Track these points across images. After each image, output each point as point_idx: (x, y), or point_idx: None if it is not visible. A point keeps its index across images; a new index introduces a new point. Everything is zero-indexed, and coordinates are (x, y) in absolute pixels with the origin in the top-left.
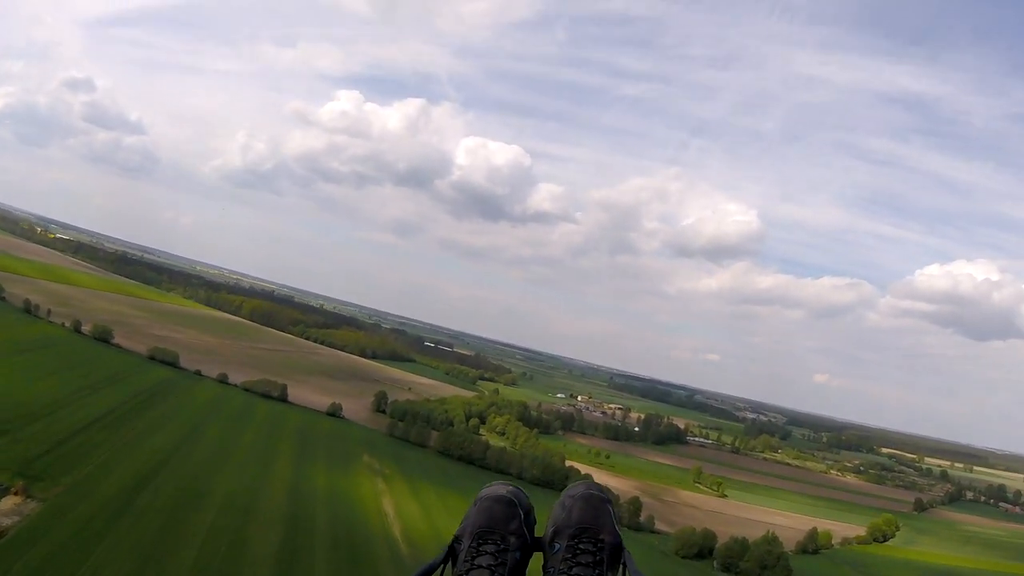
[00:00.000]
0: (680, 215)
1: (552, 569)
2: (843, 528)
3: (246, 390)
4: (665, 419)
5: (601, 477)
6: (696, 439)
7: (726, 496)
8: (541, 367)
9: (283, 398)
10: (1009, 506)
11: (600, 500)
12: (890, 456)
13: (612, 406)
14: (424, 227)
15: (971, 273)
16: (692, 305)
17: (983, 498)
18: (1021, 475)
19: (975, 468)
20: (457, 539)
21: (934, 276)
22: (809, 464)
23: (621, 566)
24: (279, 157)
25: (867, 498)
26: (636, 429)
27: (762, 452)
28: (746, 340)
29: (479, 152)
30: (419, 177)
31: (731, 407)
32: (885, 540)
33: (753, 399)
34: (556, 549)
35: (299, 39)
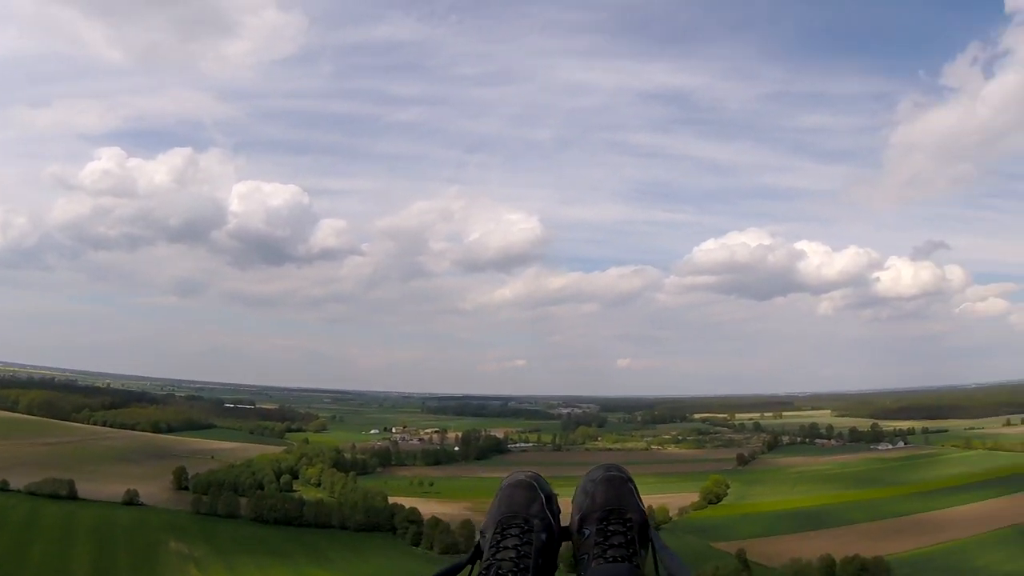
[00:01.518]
0: (466, 232)
1: (585, 555)
2: (677, 499)
3: (30, 494)
4: (483, 432)
5: (429, 506)
6: (517, 445)
7: (557, 494)
8: (351, 406)
9: (72, 495)
10: (824, 441)
11: (621, 480)
12: (703, 420)
13: (428, 431)
14: (207, 283)
15: (745, 241)
16: (491, 317)
17: (799, 439)
18: (827, 411)
19: (784, 414)
20: (482, 534)
21: (711, 250)
22: (630, 444)
23: (649, 543)
24: (42, 229)
25: (692, 464)
26: (456, 448)
27: (583, 444)
28: (548, 340)
29: (254, 196)
30: (194, 230)
31: (545, 407)
32: (719, 500)
33: (566, 395)
34: (586, 535)
35: (54, 97)
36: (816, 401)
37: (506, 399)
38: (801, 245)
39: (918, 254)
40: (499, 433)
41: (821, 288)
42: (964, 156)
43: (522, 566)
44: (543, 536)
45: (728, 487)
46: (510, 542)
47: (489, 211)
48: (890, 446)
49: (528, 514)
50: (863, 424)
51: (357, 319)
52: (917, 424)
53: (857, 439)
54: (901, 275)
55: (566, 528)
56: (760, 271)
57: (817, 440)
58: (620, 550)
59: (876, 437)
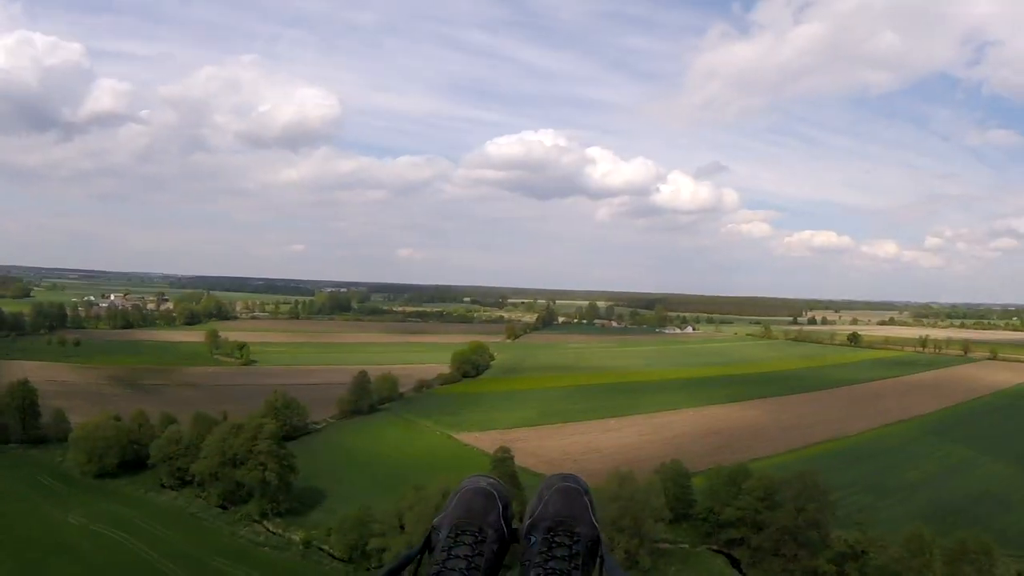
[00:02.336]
0: (256, 105)
1: (528, 562)
2: (429, 369)
3: None
4: (203, 297)
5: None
6: (251, 315)
7: (254, 362)
8: (96, 282)
9: None
10: (604, 321)
11: (576, 492)
12: (473, 301)
13: (151, 299)
14: None
15: (540, 140)
16: (274, 199)
17: (576, 319)
18: (604, 301)
19: (558, 300)
20: (435, 529)
21: (503, 145)
22: (386, 318)
23: (599, 560)
24: None
25: (454, 336)
26: (173, 314)
27: (329, 315)
28: (332, 226)
29: (23, 50)
30: None
31: (314, 288)
32: (479, 373)
33: (343, 280)
34: (532, 542)
35: None
36: (590, 296)
37: (275, 280)
38: (592, 152)
39: (700, 174)
40: (237, 305)
41: (602, 193)
42: (758, 90)
43: None
44: (495, 547)
45: (493, 358)
46: (462, 551)
47: (286, 85)
48: (677, 330)
49: (484, 523)
50: (645, 313)
51: (130, 196)
52: (694, 316)
53: (640, 323)
54: (681, 190)
55: (516, 531)
56: (549, 171)
57: (596, 320)
58: (562, 563)
59: (660, 322)
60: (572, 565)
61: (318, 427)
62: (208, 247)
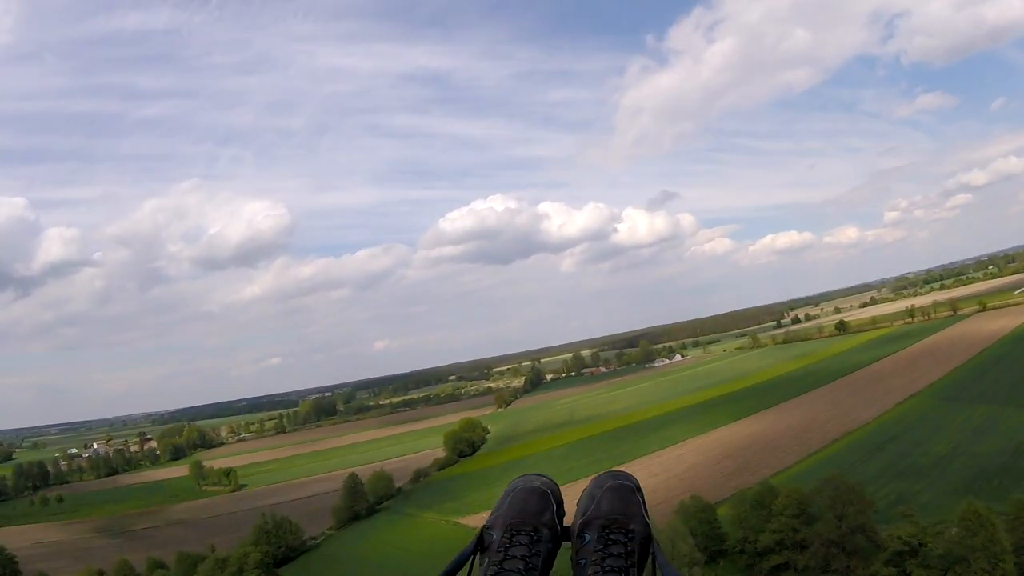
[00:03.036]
0: (205, 228)
1: (583, 561)
2: (423, 457)
3: None
4: (185, 429)
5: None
6: (237, 438)
7: (244, 486)
8: (78, 433)
9: None
10: (592, 369)
11: (629, 490)
12: (458, 378)
13: (133, 441)
14: None
15: (492, 207)
16: (240, 317)
17: (564, 374)
18: (588, 350)
19: (542, 360)
20: (487, 529)
21: (455, 219)
22: (374, 414)
23: (650, 556)
24: None
25: (445, 418)
26: (157, 452)
27: (316, 422)
28: (302, 333)
29: None
30: None
31: (298, 398)
32: (475, 450)
33: (325, 385)
34: (586, 541)
35: None
36: (573, 348)
37: (257, 399)
38: (544, 208)
39: (652, 205)
40: (221, 431)
41: (563, 245)
42: (686, 115)
43: None
44: (550, 546)
45: (487, 432)
46: (518, 551)
47: (231, 204)
48: (666, 361)
49: (539, 523)
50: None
51: (94, 341)
52: (676, 343)
53: (627, 362)
54: (637, 225)
55: (567, 529)
56: (506, 234)
57: (584, 370)
58: (619, 560)
59: (647, 357)
60: (628, 563)
61: (316, 542)
62: (183, 378)
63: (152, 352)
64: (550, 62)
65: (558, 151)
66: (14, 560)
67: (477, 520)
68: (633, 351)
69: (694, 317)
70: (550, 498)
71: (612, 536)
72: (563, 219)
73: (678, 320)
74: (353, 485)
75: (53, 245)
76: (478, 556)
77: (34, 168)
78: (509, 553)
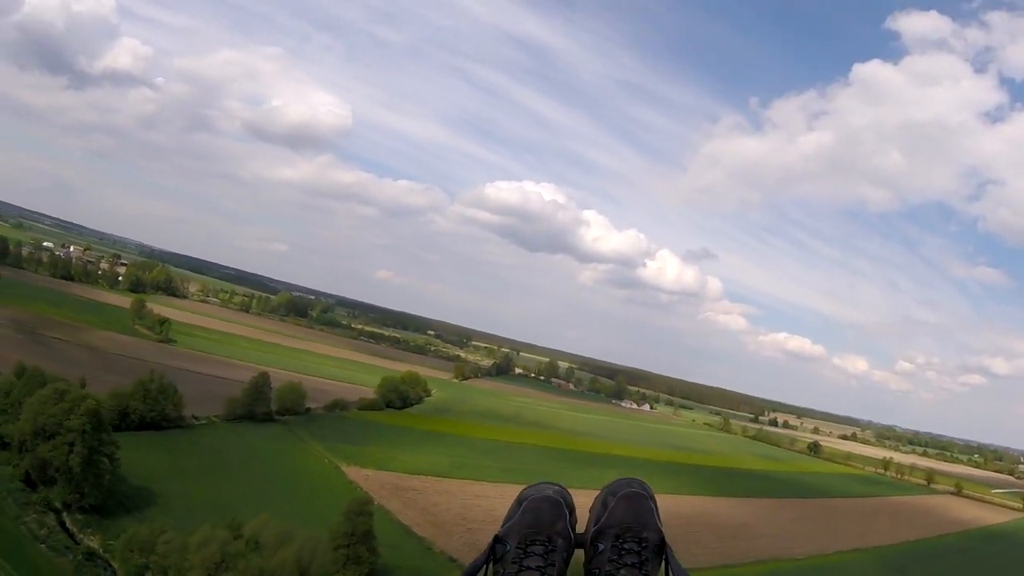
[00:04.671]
0: (268, 98)
1: (597, 570)
2: (354, 390)
3: None
4: (157, 268)
5: None
6: (199, 298)
7: (173, 342)
8: (72, 233)
9: None
10: (562, 382)
11: (641, 497)
12: (436, 335)
13: (109, 258)
14: None
15: (540, 193)
16: (265, 194)
17: (533, 374)
18: (566, 362)
19: (523, 353)
20: (499, 540)
21: (503, 190)
22: (339, 332)
23: (663, 562)
24: None
25: (401, 364)
26: (120, 278)
27: (284, 316)
28: (317, 233)
29: None
30: None
31: (283, 289)
32: (404, 406)
33: (314, 288)
34: (600, 549)
35: None
36: (553, 355)
37: (248, 274)
38: (588, 215)
39: (689, 257)
40: (192, 286)
41: (590, 257)
42: (757, 186)
43: None
44: (564, 555)
45: (427, 394)
46: (533, 562)
47: (303, 86)
48: (635, 405)
49: (552, 532)
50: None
51: (122, 158)
52: (654, 394)
53: (598, 390)
54: (667, 269)
55: (581, 536)
56: (543, 224)
57: (554, 379)
58: (633, 570)
59: (619, 393)
60: (643, 572)
61: (198, 422)
62: (190, 226)
63: (170, 190)
64: (652, 80)
65: (622, 166)
66: None
67: (358, 475)
68: (608, 383)
69: (679, 376)
70: (563, 506)
71: (626, 545)
72: (601, 233)
73: (663, 372)
74: (260, 385)
75: (123, 54)
76: (490, 567)
77: None
78: (524, 564)
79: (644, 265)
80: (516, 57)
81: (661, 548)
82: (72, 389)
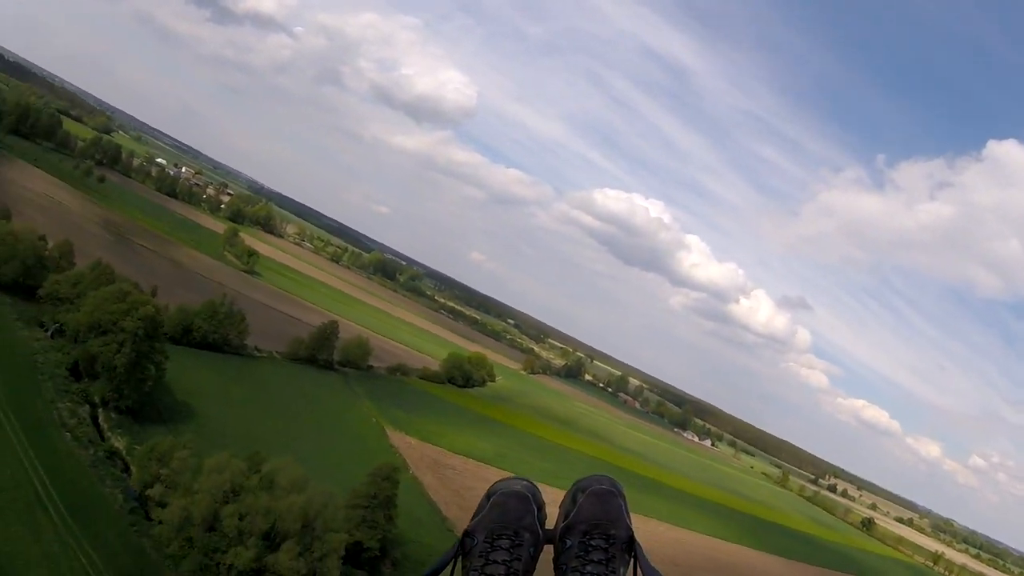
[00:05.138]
0: (399, 65)
1: (565, 566)
2: (420, 359)
3: None
4: (262, 205)
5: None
6: (295, 240)
7: (257, 275)
8: (187, 156)
9: None
10: (628, 398)
11: (610, 495)
12: (515, 324)
13: (217, 185)
14: None
15: (647, 209)
16: (380, 156)
17: (602, 384)
18: (637, 379)
19: (596, 361)
20: (468, 534)
21: (612, 198)
22: (421, 302)
23: (632, 559)
24: None
25: (472, 344)
26: (222, 206)
27: (370, 275)
28: (422, 203)
29: None
30: None
31: (376, 248)
32: (467, 384)
33: (407, 255)
34: (568, 545)
35: None
36: (625, 369)
37: (346, 228)
38: (690, 239)
39: (783, 303)
40: (290, 228)
41: (684, 282)
42: (866, 245)
43: None
44: (531, 550)
45: (491, 379)
46: (499, 555)
47: (436, 60)
48: (696, 438)
49: (520, 526)
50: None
51: (251, 96)
52: (718, 432)
53: (662, 414)
54: (759, 311)
55: (550, 532)
56: (644, 240)
57: (621, 394)
58: (599, 567)
59: (682, 423)
60: (609, 569)
61: (259, 354)
62: (302, 172)
63: (290, 135)
64: (781, 119)
65: (734, 198)
66: None
67: (400, 441)
68: (674, 409)
69: (747, 419)
70: (531, 502)
71: (593, 542)
72: (700, 260)
73: (731, 411)
74: (328, 332)
75: (266, 1)
76: (459, 561)
77: None
78: (490, 558)
79: (736, 301)
80: (651, 71)
81: (630, 545)
82: (135, 293)
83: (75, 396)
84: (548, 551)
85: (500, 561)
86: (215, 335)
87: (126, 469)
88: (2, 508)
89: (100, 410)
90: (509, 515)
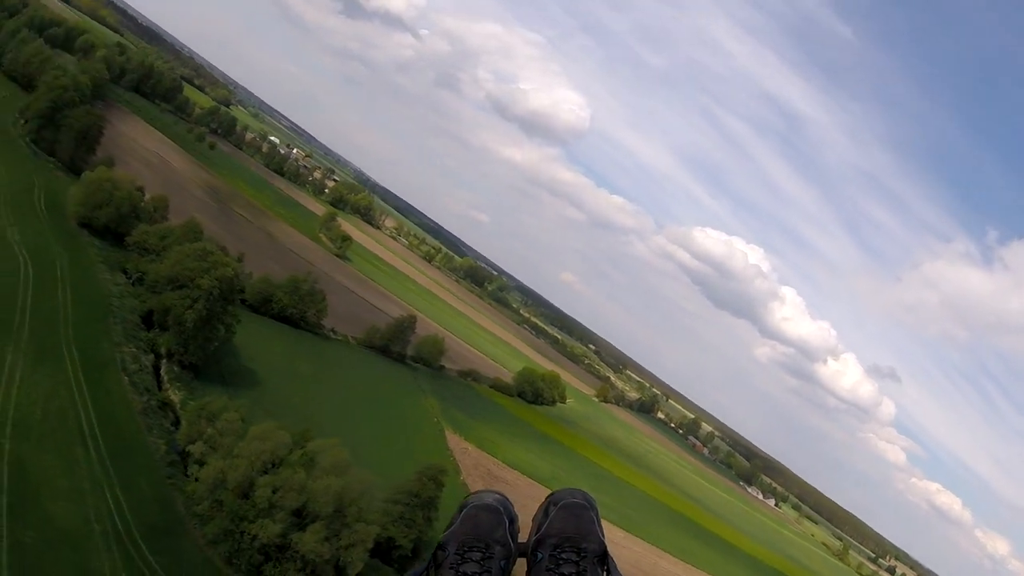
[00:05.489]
0: (516, 79)
1: None
2: (494, 368)
3: None
4: (363, 193)
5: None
6: (391, 233)
7: (348, 260)
8: (299, 139)
9: None
10: (697, 443)
11: (582, 508)
12: (595, 350)
13: (317, 167)
14: None
15: (746, 254)
16: (485, 165)
17: (673, 424)
18: (709, 426)
19: (670, 400)
20: (441, 546)
21: (712, 238)
22: (505, 313)
23: (605, 572)
24: None
25: (553, 365)
26: (326, 190)
27: (458, 278)
28: (520, 217)
29: None
30: None
31: (469, 254)
32: (537, 400)
33: (498, 265)
34: (539, 558)
35: None
36: (699, 412)
37: (442, 229)
38: (785, 291)
39: (872, 371)
40: (389, 221)
41: (773, 335)
42: (967, 324)
43: None
44: (502, 562)
45: (562, 399)
46: (470, 568)
47: (553, 78)
48: (760, 495)
49: (490, 539)
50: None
51: (370, 90)
52: (783, 492)
53: (730, 464)
54: (846, 376)
55: (523, 544)
56: (737, 285)
57: (691, 437)
58: None
59: (749, 477)
60: None
61: (333, 336)
62: (408, 169)
63: (402, 132)
64: (895, 179)
65: (836, 254)
66: (100, 120)
67: (458, 445)
68: (742, 462)
69: (816, 484)
70: (502, 514)
71: (564, 555)
72: (792, 314)
73: (800, 473)
74: (406, 326)
75: (396, 2)
76: (431, 572)
77: None
78: (460, 570)
79: (824, 362)
80: (766, 115)
81: (603, 558)
82: (217, 254)
83: (142, 344)
84: (521, 564)
85: (471, 573)
86: (293, 310)
87: (176, 423)
88: (43, 437)
89: (164, 361)
90: (481, 528)
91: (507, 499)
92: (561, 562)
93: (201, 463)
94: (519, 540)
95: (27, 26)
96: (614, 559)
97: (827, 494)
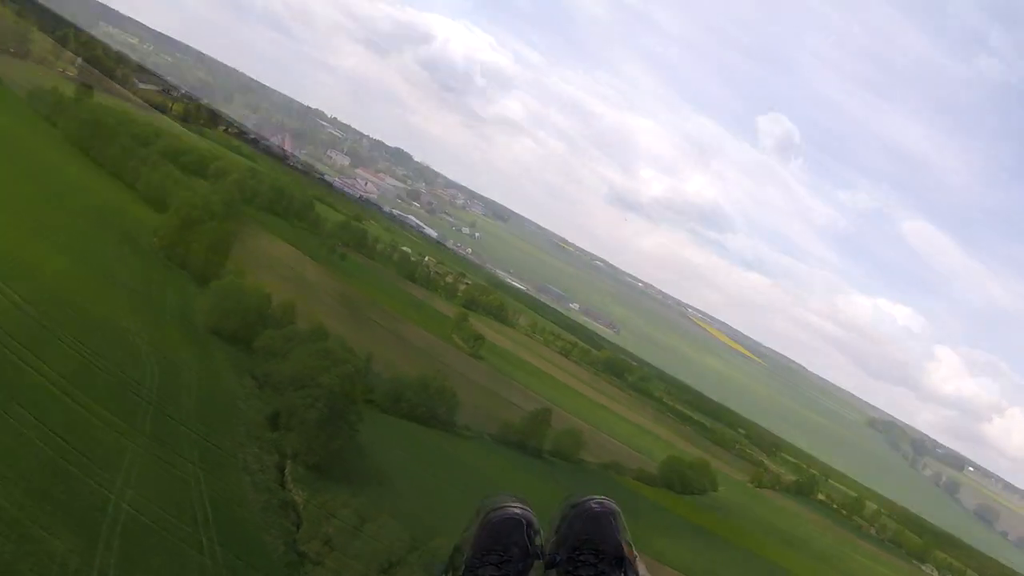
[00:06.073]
0: (638, 168)
1: None
2: (634, 457)
3: None
4: (496, 295)
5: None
6: (525, 332)
7: (481, 358)
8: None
9: None
10: (864, 523)
11: (604, 512)
12: (745, 435)
13: (456, 274)
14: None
15: (895, 316)
16: (618, 253)
17: (835, 505)
18: (874, 503)
19: (831, 480)
20: (458, 549)
21: (856, 304)
22: (650, 403)
23: (624, 573)
24: None
25: (695, 449)
26: (459, 292)
27: (599, 372)
28: (653, 304)
29: (459, 36)
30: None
31: (608, 347)
32: (685, 490)
33: (641, 357)
34: (557, 561)
35: None
36: (864, 492)
37: (580, 325)
38: (941, 351)
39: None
40: (523, 319)
41: (930, 398)
42: None
43: None
44: (520, 566)
45: (714, 487)
46: (488, 571)
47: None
48: (935, 572)
49: (508, 542)
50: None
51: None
52: (962, 568)
53: (900, 543)
54: (1015, 432)
55: (541, 547)
56: (889, 348)
57: (855, 517)
58: None
59: (922, 556)
60: None
61: (466, 433)
62: (540, 263)
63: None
64: None
65: (983, 304)
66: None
67: None
68: (914, 539)
69: (998, 557)
70: (520, 518)
71: (582, 558)
72: (950, 374)
73: (982, 547)
74: (541, 419)
75: (514, 104)
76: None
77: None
78: (478, 574)
79: (989, 420)
80: (896, 171)
81: (621, 562)
82: (341, 352)
83: (266, 444)
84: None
85: None
86: (423, 408)
87: (299, 524)
88: (158, 533)
89: (289, 462)
90: (500, 532)
91: (527, 503)
92: (579, 564)
93: (318, 563)
94: (537, 543)
95: (161, 153)
96: (635, 565)
97: (1011, 566)
